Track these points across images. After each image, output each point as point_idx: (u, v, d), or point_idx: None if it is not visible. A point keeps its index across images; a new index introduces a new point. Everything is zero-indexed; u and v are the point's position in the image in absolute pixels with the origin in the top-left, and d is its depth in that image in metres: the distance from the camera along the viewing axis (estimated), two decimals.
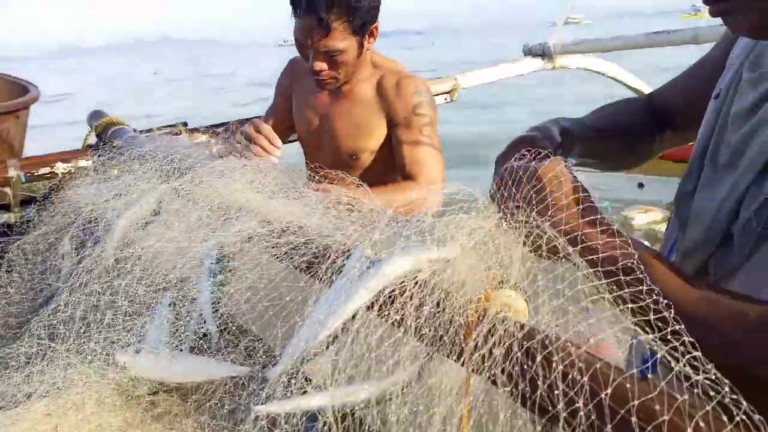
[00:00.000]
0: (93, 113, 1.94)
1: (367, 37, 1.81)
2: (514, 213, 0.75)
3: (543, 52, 2.87)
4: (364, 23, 1.76)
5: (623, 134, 1.10)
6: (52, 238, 1.35)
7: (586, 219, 0.69)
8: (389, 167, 1.98)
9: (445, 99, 2.65)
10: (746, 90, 0.80)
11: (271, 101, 2.14)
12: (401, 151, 1.85)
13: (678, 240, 0.89)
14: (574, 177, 0.75)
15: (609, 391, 0.51)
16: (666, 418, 0.48)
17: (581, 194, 0.72)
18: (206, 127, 2.01)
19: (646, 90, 3.00)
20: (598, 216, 0.70)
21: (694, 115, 0.95)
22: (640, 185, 5.79)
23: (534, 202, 0.73)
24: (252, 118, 2.31)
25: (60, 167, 1.74)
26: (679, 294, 0.63)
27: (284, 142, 2.20)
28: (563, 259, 0.69)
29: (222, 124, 2.09)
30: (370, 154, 1.94)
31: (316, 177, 1.54)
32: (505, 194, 0.77)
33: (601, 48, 2.78)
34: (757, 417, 0.47)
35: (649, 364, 0.71)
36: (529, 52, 2.93)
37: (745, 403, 0.48)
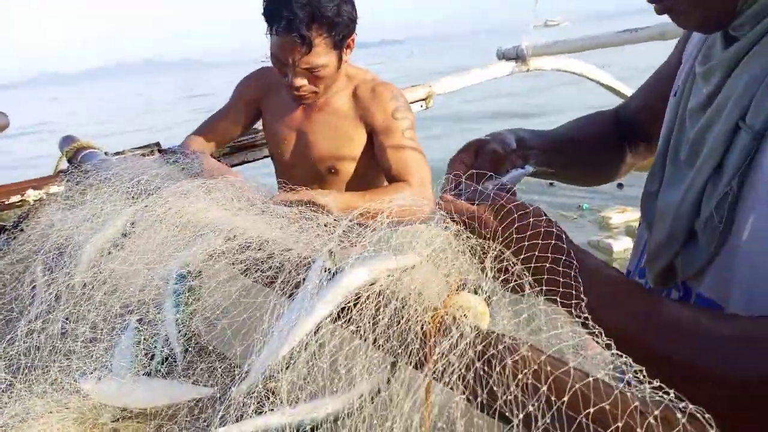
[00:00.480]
0: (64, 138, 1.92)
1: (344, 49, 1.80)
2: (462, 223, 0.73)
3: (516, 55, 2.89)
4: (343, 37, 1.76)
5: (587, 148, 1.08)
6: (21, 267, 1.32)
7: (552, 256, 0.67)
8: (371, 179, 1.96)
9: (421, 106, 2.65)
10: (700, 84, 0.79)
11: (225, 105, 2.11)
12: (386, 157, 1.83)
13: (647, 242, 0.88)
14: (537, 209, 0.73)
15: (567, 396, 0.50)
16: (620, 424, 0.47)
17: (543, 227, 0.69)
18: (180, 146, 1.99)
19: (620, 87, 3.03)
20: (563, 256, 0.67)
21: (661, 121, 0.94)
22: (620, 185, 5.90)
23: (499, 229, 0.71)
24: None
25: (31, 194, 1.71)
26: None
27: (224, 148, 2.20)
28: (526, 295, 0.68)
29: None
30: (349, 166, 1.93)
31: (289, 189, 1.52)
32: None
33: (572, 48, 2.80)
34: (707, 415, 0.46)
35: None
36: (502, 56, 2.95)
37: (691, 405, 0.47)
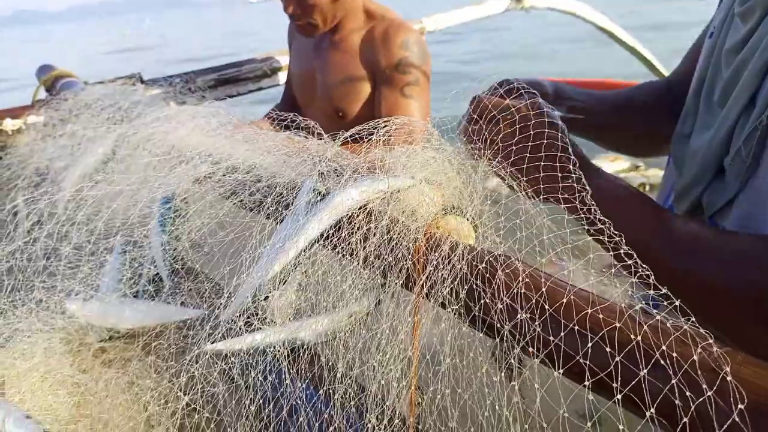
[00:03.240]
0: (41, 67, 1.86)
1: None
2: (476, 146, 0.73)
3: None
4: None
5: (633, 114, 1.04)
6: (1, 194, 1.30)
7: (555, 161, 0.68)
8: None
9: None
10: (737, 24, 0.77)
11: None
12: (379, 112, 1.72)
13: (676, 182, 0.88)
14: (553, 118, 0.73)
15: (564, 300, 0.50)
16: (617, 324, 0.47)
17: (558, 141, 0.69)
18: (163, 78, 1.93)
19: (614, 30, 2.97)
20: (567, 161, 0.68)
21: None
22: None
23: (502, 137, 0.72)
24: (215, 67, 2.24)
25: (8, 124, 1.66)
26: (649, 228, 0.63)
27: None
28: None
29: (179, 75, 2.02)
30: (355, 112, 1.80)
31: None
32: (472, 126, 0.76)
33: None
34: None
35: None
36: None
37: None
